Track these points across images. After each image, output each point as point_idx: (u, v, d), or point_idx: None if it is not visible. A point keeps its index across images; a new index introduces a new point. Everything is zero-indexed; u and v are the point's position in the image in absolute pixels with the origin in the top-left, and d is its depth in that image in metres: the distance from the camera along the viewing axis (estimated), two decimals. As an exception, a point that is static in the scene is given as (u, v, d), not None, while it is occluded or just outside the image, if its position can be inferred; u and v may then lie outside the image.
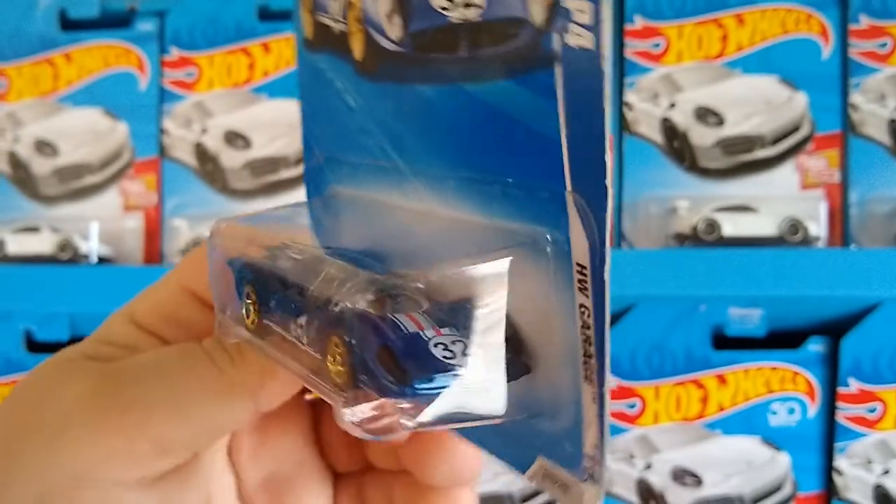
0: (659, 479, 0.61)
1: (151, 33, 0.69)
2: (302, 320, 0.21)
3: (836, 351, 0.60)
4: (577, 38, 0.17)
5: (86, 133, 0.69)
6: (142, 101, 0.69)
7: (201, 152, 0.68)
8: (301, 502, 0.28)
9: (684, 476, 0.61)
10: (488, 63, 0.19)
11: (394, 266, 0.21)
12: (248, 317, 0.24)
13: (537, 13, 0.18)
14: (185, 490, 0.24)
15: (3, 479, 0.23)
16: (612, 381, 0.60)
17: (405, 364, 0.19)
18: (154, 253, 0.68)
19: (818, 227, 0.62)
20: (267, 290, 0.23)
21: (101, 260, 0.67)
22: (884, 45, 0.63)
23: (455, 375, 0.20)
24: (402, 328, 0.20)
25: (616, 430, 0.61)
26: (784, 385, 0.60)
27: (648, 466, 0.61)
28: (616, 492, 0.61)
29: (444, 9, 0.20)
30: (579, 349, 0.20)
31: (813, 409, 0.60)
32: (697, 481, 0.61)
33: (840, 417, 0.60)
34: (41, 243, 0.67)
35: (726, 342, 0.61)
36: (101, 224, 0.68)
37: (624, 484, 0.61)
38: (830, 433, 0.60)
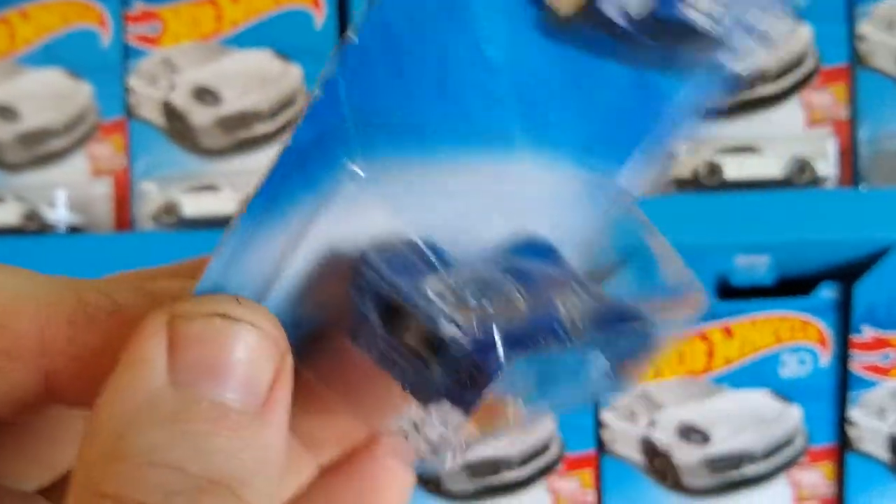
0: (664, 437, 0.59)
1: (112, -14, 0.66)
2: None
3: (848, 297, 0.57)
4: None
5: (48, 95, 0.65)
6: (105, 59, 0.65)
7: (170, 111, 0.65)
8: None
9: (690, 433, 0.59)
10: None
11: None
12: None
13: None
14: None
15: None
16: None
17: None
18: (124, 219, 0.65)
19: (827, 167, 0.59)
20: None
21: (72, 229, 0.64)
22: (893, -32, 0.59)
23: None
24: None
25: (618, 389, 0.59)
26: (794, 334, 0.58)
27: (652, 424, 0.59)
28: (618, 450, 0.59)
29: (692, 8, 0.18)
30: None
31: (825, 359, 0.58)
32: (704, 438, 0.59)
33: (853, 366, 0.57)
34: (6, 214, 0.63)
35: (732, 292, 0.58)
36: (68, 191, 0.65)
37: (627, 442, 0.59)
38: (843, 383, 0.58)
